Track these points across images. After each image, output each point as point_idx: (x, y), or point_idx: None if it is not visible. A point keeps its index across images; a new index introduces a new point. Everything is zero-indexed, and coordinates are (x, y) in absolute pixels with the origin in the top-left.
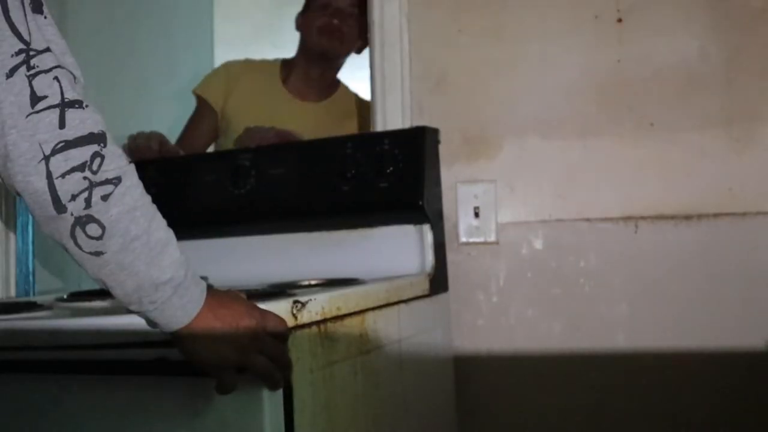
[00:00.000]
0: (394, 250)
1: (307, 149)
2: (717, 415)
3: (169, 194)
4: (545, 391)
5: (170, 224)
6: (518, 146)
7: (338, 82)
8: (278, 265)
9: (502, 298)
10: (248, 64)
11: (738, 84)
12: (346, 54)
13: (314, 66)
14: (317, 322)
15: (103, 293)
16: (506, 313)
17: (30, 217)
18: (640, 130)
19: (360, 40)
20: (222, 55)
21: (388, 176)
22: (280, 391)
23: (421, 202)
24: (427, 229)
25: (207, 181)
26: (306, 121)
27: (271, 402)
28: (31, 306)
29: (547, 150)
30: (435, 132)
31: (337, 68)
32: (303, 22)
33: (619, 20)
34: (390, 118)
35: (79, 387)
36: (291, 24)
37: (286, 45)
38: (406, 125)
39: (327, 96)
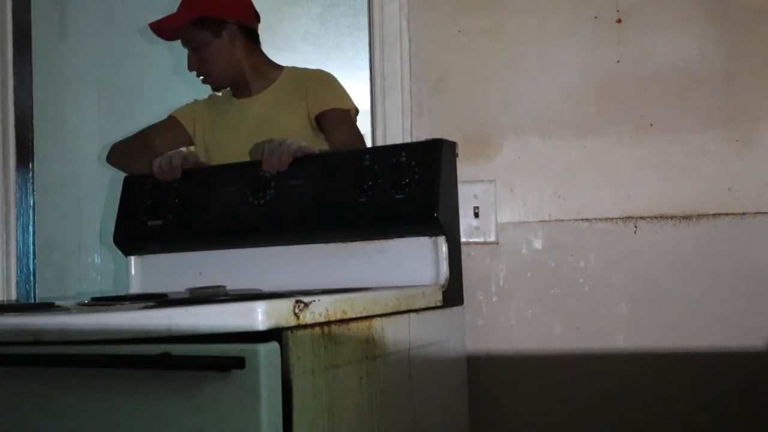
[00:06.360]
0: (409, 262)
1: (326, 161)
2: (717, 414)
3: (190, 204)
4: (544, 390)
5: (191, 233)
6: (518, 146)
7: (278, 67)
8: (295, 276)
9: (502, 298)
10: (211, 97)
11: (738, 84)
12: (226, 66)
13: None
14: (321, 324)
15: (125, 298)
16: (506, 313)
17: (31, 217)
18: (640, 130)
19: (224, 33)
20: None
21: (405, 188)
22: (280, 387)
23: (436, 215)
24: (441, 241)
25: (228, 192)
26: (256, 110)
27: (270, 398)
28: (49, 308)
29: (547, 150)
30: (452, 145)
31: (257, 62)
32: None
33: (619, 20)
34: (390, 118)
35: (85, 380)
36: (291, 24)
37: (287, 45)
38: (406, 125)
39: (272, 82)
